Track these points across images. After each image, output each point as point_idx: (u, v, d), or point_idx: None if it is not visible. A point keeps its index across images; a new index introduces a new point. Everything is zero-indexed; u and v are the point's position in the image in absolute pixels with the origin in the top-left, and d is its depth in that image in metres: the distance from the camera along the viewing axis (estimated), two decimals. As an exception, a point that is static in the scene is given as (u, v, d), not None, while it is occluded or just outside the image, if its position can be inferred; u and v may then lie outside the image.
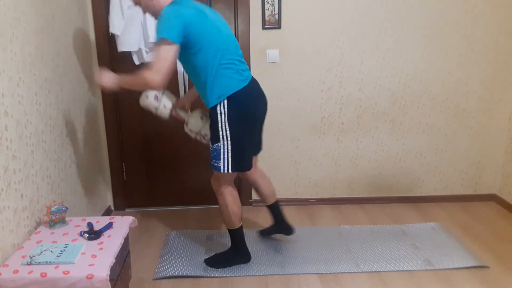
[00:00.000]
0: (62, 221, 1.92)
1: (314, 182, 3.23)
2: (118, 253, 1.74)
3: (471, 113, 3.10)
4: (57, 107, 2.26)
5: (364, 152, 3.16)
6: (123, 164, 3.14)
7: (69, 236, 1.82)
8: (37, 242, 1.77)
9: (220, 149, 2.12)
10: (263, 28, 2.89)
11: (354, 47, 2.95)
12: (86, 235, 1.80)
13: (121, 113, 3.03)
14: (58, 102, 2.27)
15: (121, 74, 2.11)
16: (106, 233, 1.84)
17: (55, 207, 1.89)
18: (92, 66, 2.87)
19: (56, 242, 1.77)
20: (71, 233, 1.85)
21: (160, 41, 1.87)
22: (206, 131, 2.22)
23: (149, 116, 3.03)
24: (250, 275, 2.33)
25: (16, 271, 1.56)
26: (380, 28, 2.91)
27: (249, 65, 2.95)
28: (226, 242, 2.67)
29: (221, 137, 2.10)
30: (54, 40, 2.25)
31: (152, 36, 2.62)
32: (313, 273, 2.33)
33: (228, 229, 2.38)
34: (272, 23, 2.88)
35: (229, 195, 2.28)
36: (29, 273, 1.55)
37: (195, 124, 2.25)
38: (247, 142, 2.17)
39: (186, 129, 2.30)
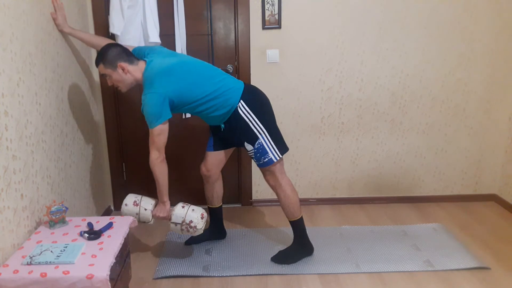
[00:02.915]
0: (62, 221, 1.92)
1: (314, 182, 3.23)
2: (118, 253, 1.74)
3: (471, 113, 3.10)
4: (57, 107, 2.26)
5: (364, 152, 3.16)
6: (123, 164, 3.14)
7: (69, 236, 1.82)
8: (37, 242, 1.77)
9: (262, 144, 2.23)
10: (263, 28, 2.89)
11: (354, 47, 2.95)
12: (86, 235, 1.80)
13: (121, 113, 3.03)
14: (58, 102, 2.26)
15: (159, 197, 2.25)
16: (106, 233, 1.84)
17: (55, 207, 1.89)
18: (92, 66, 2.87)
19: (56, 242, 1.77)
20: (71, 233, 1.85)
21: (152, 129, 2.11)
22: (191, 217, 2.21)
23: (149, 116, 3.04)
24: (250, 275, 2.33)
25: (16, 271, 1.55)
26: (380, 28, 2.91)
27: (249, 65, 2.95)
28: (226, 242, 2.67)
29: (257, 133, 2.23)
30: (54, 40, 2.24)
31: (152, 36, 2.62)
32: (313, 273, 2.33)
33: (291, 222, 2.41)
34: (272, 23, 2.88)
35: (288, 186, 2.36)
36: (29, 273, 1.55)
37: (179, 215, 2.22)
38: (276, 124, 2.34)
39: (172, 226, 2.26)
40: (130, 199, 2.27)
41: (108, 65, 2.10)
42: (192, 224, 2.20)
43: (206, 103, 2.17)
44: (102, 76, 2.18)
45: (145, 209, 2.25)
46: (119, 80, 2.14)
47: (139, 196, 2.29)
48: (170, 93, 2.08)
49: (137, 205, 2.25)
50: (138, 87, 2.96)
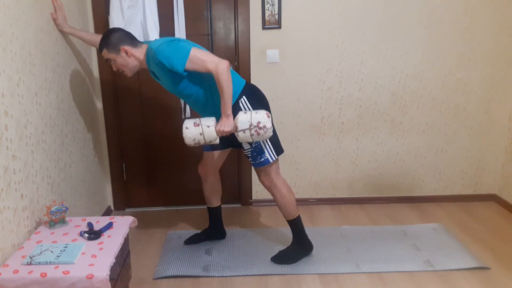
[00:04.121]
0: (62, 221, 1.92)
1: (314, 182, 3.23)
2: (118, 253, 1.74)
3: (471, 113, 3.10)
4: (57, 107, 2.25)
5: (364, 152, 3.16)
6: (123, 164, 3.14)
7: (69, 236, 1.82)
8: (37, 242, 1.77)
9: (259, 143, 2.22)
10: (263, 28, 2.89)
11: (354, 47, 2.95)
12: (86, 235, 1.80)
13: (121, 113, 3.03)
14: (58, 102, 2.26)
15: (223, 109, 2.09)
16: (106, 233, 1.84)
17: (55, 207, 1.89)
18: (92, 66, 2.87)
19: (56, 242, 1.77)
20: (71, 233, 1.85)
21: (190, 56, 2.00)
22: (257, 118, 2.06)
23: (149, 116, 3.04)
24: (250, 275, 2.33)
25: (16, 271, 1.55)
26: (380, 28, 2.91)
27: (249, 65, 2.95)
28: (225, 242, 2.67)
29: None
30: (54, 40, 2.24)
31: (152, 37, 2.62)
32: (313, 273, 2.33)
33: (289, 221, 2.41)
34: (272, 23, 2.88)
35: (284, 186, 2.35)
36: (29, 273, 1.55)
37: (244, 120, 2.06)
38: (273, 125, 2.28)
39: (240, 135, 2.10)
40: (189, 122, 2.12)
41: (111, 49, 2.08)
42: (261, 125, 2.05)
43: (211, 85, 2.13)
44: (106, 61, 2.15)
45: (208, 126, 2.09)
46: (123, 64, 2.11)
47: (196, 118, 2.14)
48: (180, 41, 2.05)
49: (198, 125, 2.10)
50: (139, 81, 2.97)
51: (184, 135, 2.12)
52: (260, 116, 2.07)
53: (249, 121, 2.06)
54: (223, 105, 2.07)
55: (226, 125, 2.08)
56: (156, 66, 2.07)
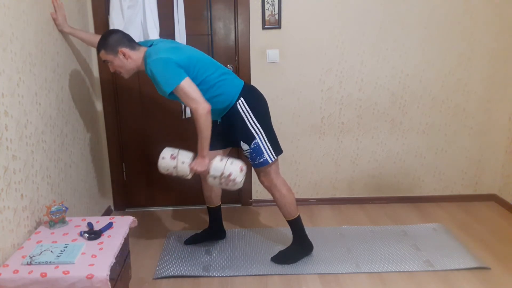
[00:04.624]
0: (62, 221, 1.92)
1: (314, 182, 3.23)
2: (118, 253, 1.74)
3: (471, 113, 3.10)
4: (57, 107, 2.26)
5: (364, 152, 3.16)
6: (123, 164, 3.14)
7: (69, 236, 1.82)
8: (37, 242, 1.77)
9: (258, 144, 2.23)
10: (263, 28, 2.89)
11: (354, 47, 2.95)
12: (86, 235, 1.80)
13: (121, 113, 3.03)
14: (58, 102, 2.26)
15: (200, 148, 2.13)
16: (106, 233, 1.84)
17: (55, 207, 1.89)
18: (92, 66, 2.87)
19: (56, 242, 1.77)
20: (71, 233, 1.85)
21: (177, 87, 2.00)
22: (230, 170, 2.10)
23: (149, 116, 3.04)
24: (250, 275, 2.33)
25: (16, 271, 1.55)
26: (380, 28, 2.91)
27: (249, 65, 2.95)
28: (226, 242, 2.67)
29: (254, 132, 2.22)
30: (54, 40, 2.24)
31: (152, 37, 2.62)
32: (313, 273, 2.33)
33: (289, 221, 2.41)
34: (272, 23, 2.88)
35: (283, 185, 2.36)
36: (29, 273, 1.55)
37: (217, 167, 2.10)
38: (272, 125, 2.34)
39: (210, 180, 2.16)
40: (167, 153, 2.17)
41: (109, 51, 2.08)
42: (231, 177, 2.09)
43: (208, 89, 2.13)
44: (104, 62, 2.16)
45: (183, 162, 2.14)
46: (120, 66, 2.11)
47: (176, 150, 2.19)
48: (175, 60, 2.03)
49: (174, 158, 2.15)
50: (139, 81, 2.97)
51: (158, 164, 2.18)
52: (234, 167, 2.10)
53: (221, 170, 2.11)
54: (200, 146, 2.11)
55: (200, 166, 2.15)
56: (149, 74, 2.09)
